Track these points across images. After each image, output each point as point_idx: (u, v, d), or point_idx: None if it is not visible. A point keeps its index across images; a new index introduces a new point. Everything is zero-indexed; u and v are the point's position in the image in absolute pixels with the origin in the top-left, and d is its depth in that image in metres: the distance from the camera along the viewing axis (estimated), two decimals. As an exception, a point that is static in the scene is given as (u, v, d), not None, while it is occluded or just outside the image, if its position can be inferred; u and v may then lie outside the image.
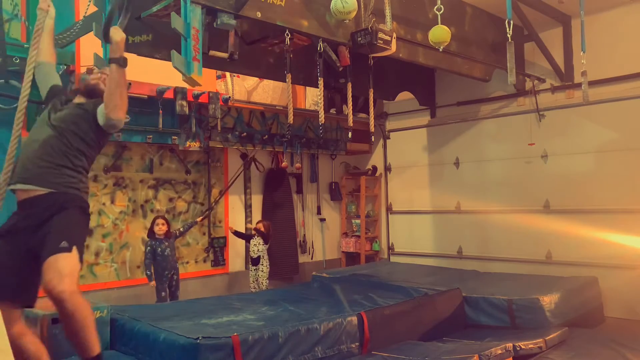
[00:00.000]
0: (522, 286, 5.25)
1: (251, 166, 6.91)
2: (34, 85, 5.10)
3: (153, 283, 5.35)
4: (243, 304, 4.74)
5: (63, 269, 2.57)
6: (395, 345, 4.12)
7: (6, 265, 2.75)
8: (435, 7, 4.39)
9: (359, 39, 4.35)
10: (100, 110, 2.90)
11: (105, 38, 3.00)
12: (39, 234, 2.71)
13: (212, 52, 3.83)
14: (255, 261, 6.17)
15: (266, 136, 6.65)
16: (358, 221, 7.94)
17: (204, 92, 5.64)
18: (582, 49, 4.63)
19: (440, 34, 4.41)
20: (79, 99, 3.10)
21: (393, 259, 7.80)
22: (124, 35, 2.90)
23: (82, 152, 2.92)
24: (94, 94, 3.06)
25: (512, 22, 4.07)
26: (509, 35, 4.08)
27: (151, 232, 5.49)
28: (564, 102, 6.13)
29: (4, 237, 2.79)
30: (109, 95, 2.81)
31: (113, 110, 2.81)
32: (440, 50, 4.55)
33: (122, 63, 2.80)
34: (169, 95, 5.38)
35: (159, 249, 5.38)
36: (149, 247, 5.40)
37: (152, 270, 5.35)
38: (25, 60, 4.64)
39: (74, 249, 2.68)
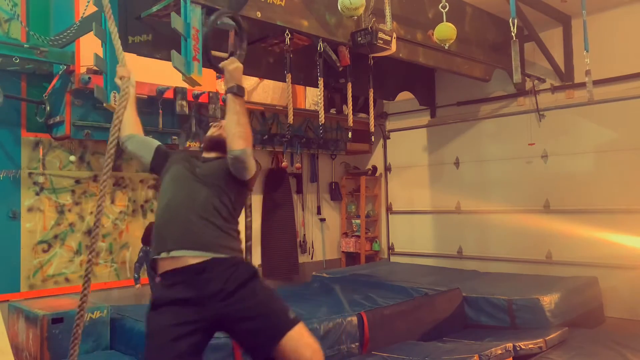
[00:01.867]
0: (522, 286, 5.25)
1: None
2: (33, 84, 5.10)
3: (138, 286, 5.32)
4: (243, 304, 4.74)
5: (311, 340, 2.41)
6: (395, 345, 4.13)
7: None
8: (440, 4, 4.36)
9: (359, 39, 4.35)
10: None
11: (213, 67, 2.70)
12: (231, 305, 2.31)
13: (212, 52, 3.82)
14: None
15: (266, 136, 6.65)
16: (358, 221, 7.94)
17: (204, 92, 5.64)
18: (586, 48, 4.63)
19: (445, 31, 4.36)
20: (209, 154, 2.70)
21: (393, 259, 7.80)
22: (239, 65, 2.57)
23: (234, 209, 2.54)
24: (221, 147, 2.61)
25: (516, 20, 4.05)
26: (513, 34, 4.07)
27: (146, 238, 5.48)
28: (564, 102, 6.13)
29: (168, 306, 2.36)
30: (228, 126, 2.47)
31: (232, 141, 2.42)
32: (446, 47, 4.50)
33: (238, 92, 2.48)
34: (169, 95, 5.37)
35: None
36: (141, 253, 5.37)
37: (139, 274, 5.32)
38: (26, 60, 4.70)
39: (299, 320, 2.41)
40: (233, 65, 2.54)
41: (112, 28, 2.78)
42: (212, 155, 2.68)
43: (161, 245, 2.41)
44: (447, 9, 4.38)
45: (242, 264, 2.45)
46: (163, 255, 2.38)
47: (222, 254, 2.38)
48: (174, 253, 2.35)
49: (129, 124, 2.87)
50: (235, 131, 2.43)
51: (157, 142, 2.82)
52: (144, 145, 2.82)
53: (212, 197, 2.45)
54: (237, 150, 2.42)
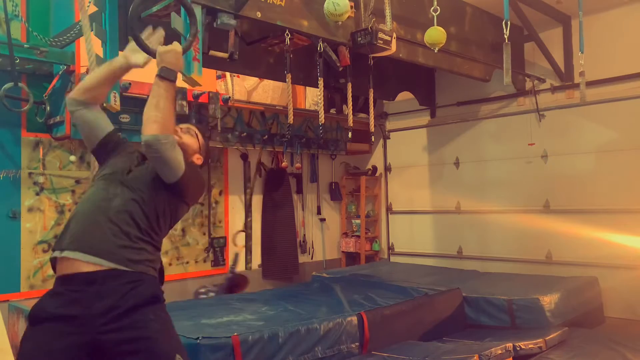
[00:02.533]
0: (522, 286, 5.25)
1: (251, 166, 6.92)
2: (33, 84, 5.10)
3: None
4: (243, 304, 4.74)
5: None
6: (395, 345, 4.12)
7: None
8: (432, 8, 4.38)
9: (359, 39, 4.35)
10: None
11: (146, 51, 2.34)
12: (116, 326, 1.99)
13: (212, 52, 3.83)
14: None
15: (266, 136, 6.65)
16: (358, 221, 7.94)
17: (204, 92, 5.64)
18: (581, 49, 4.64)
19: (435, 35, 4.40)
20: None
21: (393, 259, 7.80)
22: (173, 48, 2.28)
23: (159, 222, 2.23)
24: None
25: (509, 22, 4.06)
26: (505, 36, 4.08)
27: None
28: (564, 102, 6.13)
29: (48, 322, 2.00)
30: (145, 110, 2.19)
31: (145, 126, 2.13)
32: (436, 51, 4.54)
33: (164, 74, 2.20)
34: (169, 95, 5.37)
35: None
36: None
37: None
38: (25, 61, 4.70)
39: None
40: (164, 47, 2.26)
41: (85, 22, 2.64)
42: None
43: (59, 241, 2.12)
44: (438, 13, 4.39)
45: (146, 283, 2.11)
46: (56, 253, 2.09)
47: (122, 266, 2.04)
48: (67, 253, 2.05)
49: (92, 87, 2.33)
50: (150, 115, 2.14)
51: (112, 126, 2.44)
52: (99, 122, 2.37)
53: (131, 204, 2.15)
54: (147, 135, 2.10)
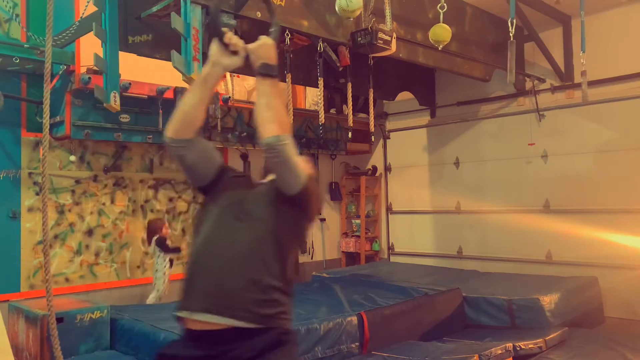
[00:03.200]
0: (522, 286, 5.25)
1: (251, 166, 6.91)
2: (33, 84, 5.10)
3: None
4: (243, 304, 4.74)
5: None
6: (395, 345, 4.12)
7: None
8: (439, 5, 4.36)
9: (359, 39, 4.35)
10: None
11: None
12: None
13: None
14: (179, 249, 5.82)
15: (266, 136, 6.64)
16: (358, 221, 7.94)
17: (204, 92, 5.63)
18: (582, 48, 4.63)
19: (440, 32, 4.40)
20: (266, 178, 2.21)
21: (393, 259, 7.80)
22: (265, 41, 2.06)
23: (285, 253, 1.96)
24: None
25: (514, 21, 4.05)
26: (511, 34, 4.06)
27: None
28: (564, 102, 6.13)
29: None
30: (257, 113, 2.00)
31: (262, 128, 1.93)
32: (440, 48, 4.53)
33: (264, 70, 2.01)
34: (169, 95, 5.38)
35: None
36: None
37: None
38: (26, 60, 4.70)
39: None
40: (255, 42, 2.06)
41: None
42: (267, 179, 2.17)
43: (185, 299, 1.93)
44: (445, 10, 4.38)
45: (271, 335, 1.86)
46: (184, 314, 1.90)
47: (251, 323, 1.82)
48: (196, 316, 1.86)
49: (192, 116, 2.02)
50: (264, 116, 1.95)
51: (219, 156, 2.16)
52: (206, 158, 2.10)
53: (256, 243, 1.90)
54: (267, 137, 1.89)
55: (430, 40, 4.46)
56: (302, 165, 1.95)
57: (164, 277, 5.42)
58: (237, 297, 1.83)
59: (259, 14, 3.78)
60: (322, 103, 4.68)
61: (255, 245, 1.89)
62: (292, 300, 1.96)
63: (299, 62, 4.96)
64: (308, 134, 7.14)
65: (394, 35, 4.44)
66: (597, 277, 5.61)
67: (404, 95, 7.04)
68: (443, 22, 4.47)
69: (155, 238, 5.53)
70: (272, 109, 1.95)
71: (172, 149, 2.02)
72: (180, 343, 1.94)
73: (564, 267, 5.94)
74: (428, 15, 4.99)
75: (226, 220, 1.97)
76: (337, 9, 4.00)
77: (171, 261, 5.54)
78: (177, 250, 5.57)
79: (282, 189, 1.94)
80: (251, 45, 2.05)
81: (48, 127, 2.54)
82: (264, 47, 2.05)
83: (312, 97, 7.26)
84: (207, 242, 1.96)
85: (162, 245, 5.50)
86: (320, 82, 4.56)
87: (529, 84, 6.29)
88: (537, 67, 6.32)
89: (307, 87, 7.18)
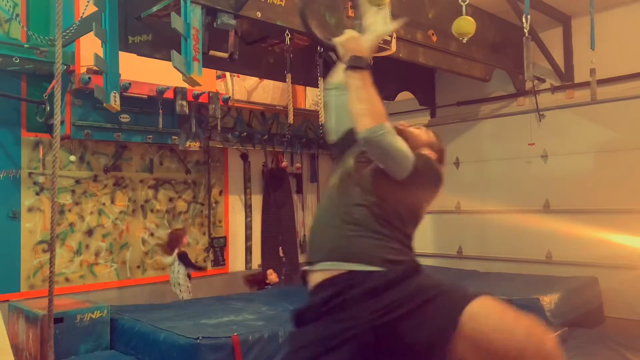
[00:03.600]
0: (522, 286, 5.25)
1: (251, 166, 6.92)
2: (33, 84, 5.11)
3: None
4: (243, 304, 4.75)
5: (511, 316, 1.90)
6: (395, 345, 4.12)
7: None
8: None
9: (359, 39, 4.34)
10: None
11: (325, 47, 2.25)
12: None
13: (212, 52, 3.83)
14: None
15: (266, 136, 6.65)
16: (358, 221, 7.92)
17: (204, 92, 5.64)
18: (592, 47, 4.60)
19: (464, 25, 4.25)
20: None
21: (393, 259, 7.79)
22: (351, 35, 2.12)
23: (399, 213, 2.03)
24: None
25: (529, 17, 4.00)
26: (526, 30, 4.02)
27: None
28: (564, 102, 6.13)
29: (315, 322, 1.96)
30: (349, 107, 2.02)
31: (356, 123, 1.96)
32: (464, 41, 4.36)
33: (352, 63, 2.04)
34: (169, 95, 5.38)
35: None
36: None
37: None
38: (26, 60, 4.70)
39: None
40: (343, 36, 2.10)
41: None
42: None
43: (310, 254, 2.06)
44: (467, 2, 4.25)
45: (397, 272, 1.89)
46: (307, 268, 2.04)
47: (374, 266, 1.88)
48: (319, 266, 1.97)
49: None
50: (356, 110, 1.96)
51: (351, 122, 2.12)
52: (344, 114, 2.17)
53: (355, 191, 2.00)
54: (361, 131, 1.91)
55: (454, 33, 4.30)
56: (403, 150, 1.94)
57: (187, 290, 5.57)
58: (348, 244, 1.93)
59: (259, 14, 3.78)
60: (322, 103, 4.68)
61: (359, 199, 1.99)
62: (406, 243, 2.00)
63: (299, 62, 4.96)
64: (308, 134, 7.13)
65: (394, 35, 4.44)
66: (597, 277, 5.61)
67: (404, 95, 7.04)
68: (440, 24, 4.39)
69: (177, 253, 5.61)
70: (363, 102, 1.96)
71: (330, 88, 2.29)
72: (310, 306, 2.03)
73: (564, 267, 5.93)
74: (428, 15, 4.99)
75: (342, 179, 2.09)
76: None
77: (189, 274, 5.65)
78: (201, 268, 5.78)
79: (391, 175, 1.96)
80: (339, 39, 2.10)
81: (59, 127, 2.53)
82: (352, 40, 2.09)
83: (312, 97, 7.26)
84: (325, 199, 2.16)
85: (186, 261, 5.62)
86: (320, 82, 4.56)
87: (529, 84, 6.29)
88: (537, 67, 6.31)
89: (307, 87, 7.19)
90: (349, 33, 2.12)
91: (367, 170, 2.04)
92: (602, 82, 5.70)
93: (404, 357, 1.84)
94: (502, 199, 6.62)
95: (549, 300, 4.73)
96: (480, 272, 6.26)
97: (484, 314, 1.78)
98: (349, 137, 2.15)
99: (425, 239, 7.44)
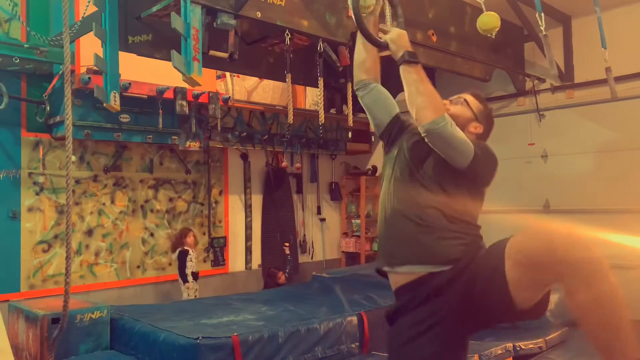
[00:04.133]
0: (522, 286, 5.25)
1: (251, 166, 6.92)
2: (33, 84, 5.11)
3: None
4: (243, 304, 4.75)
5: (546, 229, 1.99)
6: (395, 345, 4.12)
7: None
8: None
9: (359, 39, 4.34)
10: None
11: (376, 45, 2.34)
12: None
13: (212, 52, 3.83)
14: (196, 275, 5.89)
15: (266, 136, 6.65)
16: (358, 221, 7.93)
17: (204, 92, 5.64)
18: (603, 45, 4.60)
19: (490, 20, 4.17)
20: None
21: (393, 259, 7.79)
22: (399, 32, 2.25)
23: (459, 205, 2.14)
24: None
25: (542, 14, 3.99)
26: (542, 27, 3.99)
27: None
28: (564, 102, 6.13)
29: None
30: (408, 101, 2.13)
31: (418, 116, 2.04)
32: (493, 36, 4.31)
33: (408, 58, 2.16)
34: (169, 95, 5.38)
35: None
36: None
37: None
38: (26, 60, 4.71)
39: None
40: (392, 33, 2.20)
41: None
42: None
43: (383, 256, 2.18)
44: None
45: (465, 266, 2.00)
46: (387, 269, 2.16)
47: (449, 265, 2.00)
48: (401, 269, 2.10)
49: (363, 62, 2.34)
50: (416, 103, 2.04)
51: (396, 107, 2.39)
52: (382, 105, 2.38)
53: (423, 193, 2.06)
54: (423, 124, 1.99)
55: (480, 30, 4.23)
56: (464, 140, 2.02)
57: (190, 289, 5.59)
58: (416, 245, 2.07)
59: (258, 14, 3.77)
60: (322, 103, 4.68)
61: (421, 196, 2.11)
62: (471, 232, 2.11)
63: (299, 62, 4.95)
64: (308, 134, 7.13)
65: (394, 35, 4.43)
66: (597, 277, 5.60)
67: (405, 95, 7.03)
68: (440, 24, 4.36)
69: (179, 250, 5.67)
70: (422, 95, 2.05)
71: (355, 88, 2.35)
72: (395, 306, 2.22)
73: (564, 267, 5.92)
74: (428, 15, 4.99)
75: (398, 173, 2.19)
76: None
77: (194, 273, 5.68)
78: (193, 275, 5.67)
79: (453, 165, 2.05)
80: (389, 36, 2.22)
81: (71, 127, 2.51)
82: (403, 37, 2.22)
83: (312, 97, 7.25)
84: (384, 195, 2.23)
85: (180, 261, 5.63)
86: (320, 82, 4.56)
87: (529, 84, 6.29)
88: (537, 67, 6.32)
89: (307, 87, 7.18)
90: (397, 31, 2.23)
91: (429, 167, 2.11)
92: (602, 82, 5.70)
93: (481, 314, 2.00)
94: (501, 199, 6.60)
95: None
96: (480, 272, 6.26)
97: (520, 240, 1.92)
98: (392, 128, 2.32)
99: (425, 239, 7.45)
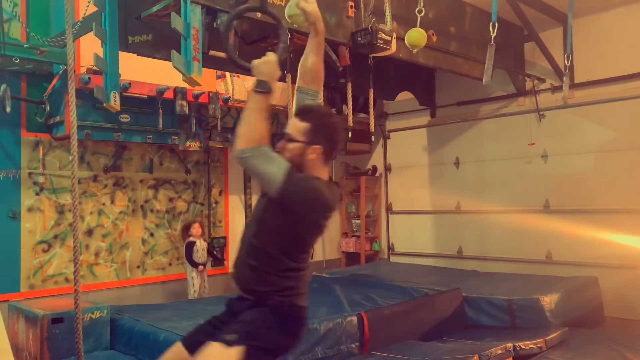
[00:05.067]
0: (522, 286, 5.25)
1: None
2: (33, 84, 5.11)
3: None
4: (243, 304, 4.74)
5: (208, 357, 2.13)
6: (395, 345, 4.12)
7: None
8: (417, 9, 4.27)
9: (359, 39, 4.35)
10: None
11: (241, 68, 2.41)
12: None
13: (212, 52, 3.83)
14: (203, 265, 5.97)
15: (266, 136, 6.63)
16: (358, 221, 7.93)
17: (204, 92, 5.64)
18: (567, 51, 4.67)
19: (416, 37, 4.27)
20: None
21: (393, 259, 7.80)
22: (267, 59, 2.22)
23: (282, 245, 2.26)
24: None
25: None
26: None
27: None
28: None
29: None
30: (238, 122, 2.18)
31: (235, 141, 2.13)
32: (414, 52, 4.41)
33: (255, 87, 2.16)
34: (169, 95, 5.38)
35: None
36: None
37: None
38: (26, 60, 4.70)
39: (237, 349, 2.10)
40: (259, 60, 2.20)
41: None
42: None
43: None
44: (422, 14, 4.24)
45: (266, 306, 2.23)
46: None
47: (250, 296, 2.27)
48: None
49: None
50: (239, 129, 2.12)
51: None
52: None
53: (253, 235, 2.29)
54: (235, 151, 2.11)
55: (407, 44, 4.32)
56: (270, 172, 2.11)
57: (192, 281, 5.68)
58: (241, 277, 2.30)
59: (258, 15, 3.77)
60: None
61: (252, 237, 2.32)
62: (287, 274, 2.24)
63: (298, 62, 4.95)
64: (308, 134, 7.12)
65: (394, 35, 4.44)
66: (597, 277, 5.61)
67: (404, 95, 7.04)
68: (440, 24, 4.37)
69: (185, 242, 5.77)
70: (247, 123, 2.12)
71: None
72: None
73: (564, 267, 5.93)
74: (428, 15, 4.98)
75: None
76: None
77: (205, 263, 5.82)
78: (197, 264, 5.76)
79: (268, 194, 2.22)
80: (256, 62, 2.19)
81: (76, 127, 2.52)
82: (266, 64, 2.19)
83: (312, 97, 7.25)
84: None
85: (186, 251, 5.75)
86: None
87: (529, 84, 6.29)
88: (537, 67, 6.32)
89: (307, 87, 7.18)
90: (267, 57, 2.22)
91: (262, 201, 2.36)
92: (602, 82, 5.72)
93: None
94: (502, 199, 6.62)
95: (549, 300, 4.73)
96: (480, 272, 6.26)
97: (210, 353, 2.14)
98: None
99: (425, 239, 7.45)
